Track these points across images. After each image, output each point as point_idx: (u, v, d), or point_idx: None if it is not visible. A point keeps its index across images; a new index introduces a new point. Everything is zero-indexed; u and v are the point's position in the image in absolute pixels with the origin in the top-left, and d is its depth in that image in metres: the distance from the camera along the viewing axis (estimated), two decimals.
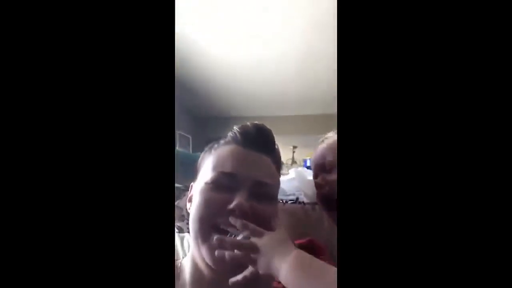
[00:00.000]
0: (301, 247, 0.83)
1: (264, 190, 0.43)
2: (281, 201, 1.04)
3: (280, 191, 1.10)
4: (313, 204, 1.01)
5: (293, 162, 3.74)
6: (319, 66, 2.21)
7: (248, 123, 0.48)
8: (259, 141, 0.46)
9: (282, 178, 1.18)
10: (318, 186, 0.57)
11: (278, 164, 0.51)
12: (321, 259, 0.42)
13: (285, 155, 3.99)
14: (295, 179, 0.99)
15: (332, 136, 0.57)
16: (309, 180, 1.02)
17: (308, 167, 1.28)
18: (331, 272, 0.33)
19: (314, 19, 1.76)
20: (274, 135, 0.51)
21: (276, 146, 0.50)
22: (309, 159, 1.42)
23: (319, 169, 0.58)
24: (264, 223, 0.40)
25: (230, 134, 0.49)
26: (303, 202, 1.01)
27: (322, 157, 0.56)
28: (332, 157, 0.55)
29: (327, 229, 0.83)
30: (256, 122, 0.48)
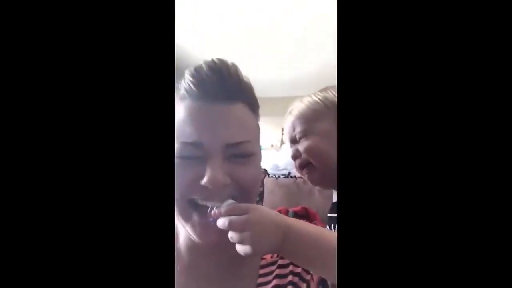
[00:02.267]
0: (296, 214, 0.88)
1: (240, 150, 0.36)
2: (273, 176, 1.09)
3: (273, 166, 1.14)
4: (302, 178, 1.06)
5: (282, 143, 3.78)
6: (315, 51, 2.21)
7: (202, 64, 0.37)
8: (220, 84, 0.35)
9: (276, 154, 1.22)
10: (293, 157, 0.58)
11: (252, 104, 0.39)
12: (314, 223, 0.45)
13: (275, 137, 4.01)
14: (288, 154, 1.03)
15: (297, 106, 0.58)
16: None
17: None
18: (328, 235, 0.32)
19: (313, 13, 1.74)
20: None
21: (244, 80, 0.38)
22: None
23: (291, 140, 0.59)
24: (247, 183, 0.37)
25: (183, 85, 0.37)
26: (295, 176, 1.06)
27: (292, 128, 0.58)
28: (300, 127, 0.56)
29: (318, 199, 0.88)
30: (210, 59, 0.37)
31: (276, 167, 1.06)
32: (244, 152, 0.36)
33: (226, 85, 0.36)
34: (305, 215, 0.81)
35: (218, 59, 0.37)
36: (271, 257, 0.43)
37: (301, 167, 0.57)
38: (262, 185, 0.97)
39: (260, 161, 0.41)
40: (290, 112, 0.59)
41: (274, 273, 0.41)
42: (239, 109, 0.37)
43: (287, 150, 1.10)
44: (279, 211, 0.92)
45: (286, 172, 1.06)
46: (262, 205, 1.00)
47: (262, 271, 0.42)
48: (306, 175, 0.57)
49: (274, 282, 0.39)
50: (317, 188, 0.95)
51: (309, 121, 0.55)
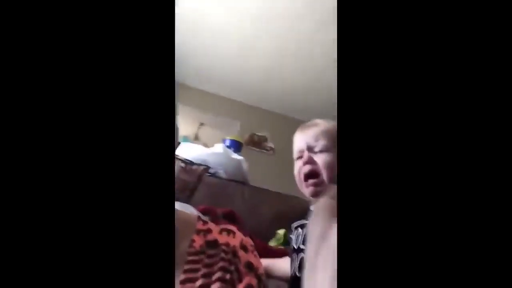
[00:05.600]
0: (224, 215, 0.90)
1: None
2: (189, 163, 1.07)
3: (203, 161, 1.13)
4: (229, 181, 1.08)
5: (196, 138, 3.72)
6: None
7: None
8: None
9: (208, 151, 1.21)
10: (305, 162, 0.61)
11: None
12: (238, 227, 0.47)
13: (190, 129, 3.90)
14: (223, 155, 1.04)
15: (324, 122, 0.65)
16: (233, 158, 1.09)
17: (228, 147, 1.34)
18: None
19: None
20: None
21: None
22: (229, 139, 1.49)
23: (308, 149, 0.63)
24: None
25: None
26: (220, 177, 1.08)
27: (314, 138, 0.62)
28: (324, 141, 0.61)
29: (240, 205, 0.92)
30: None
31: (206, 162, 1.05)
32: None
33: None
34: (232, 217, 0.84)
35: None
36: (200, 246, 0.41)
37: (308, 175, 0.61)
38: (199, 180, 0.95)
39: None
40: (316, 124, 0.65)
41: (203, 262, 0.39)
42: None
43: (222, 151, 1.10)
44: (209, 210, 0.92)
45: (213, 171, 1.06)
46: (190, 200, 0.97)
47: (190, 258, 0.39)
48: (311, 185, 0.60)
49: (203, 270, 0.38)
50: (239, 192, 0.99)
51: (334, 140, 0.59)
